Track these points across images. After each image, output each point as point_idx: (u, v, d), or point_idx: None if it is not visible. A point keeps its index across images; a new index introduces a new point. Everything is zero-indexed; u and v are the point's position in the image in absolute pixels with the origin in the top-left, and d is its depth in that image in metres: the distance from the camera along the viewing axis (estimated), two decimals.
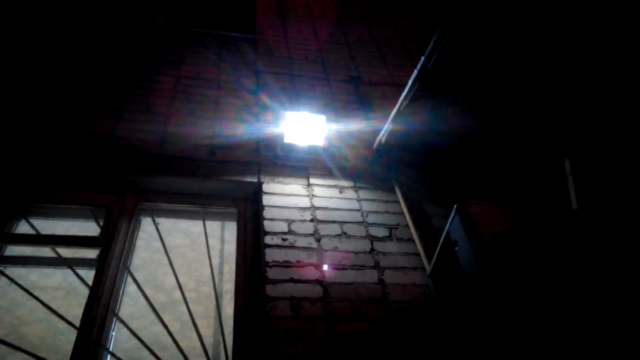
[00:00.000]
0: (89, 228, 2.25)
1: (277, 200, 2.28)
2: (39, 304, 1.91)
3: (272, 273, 1.93)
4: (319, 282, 1.94)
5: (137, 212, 2.32)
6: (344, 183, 2.48)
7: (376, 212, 2.35)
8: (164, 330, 1.91)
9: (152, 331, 1.92)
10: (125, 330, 1.90)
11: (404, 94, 2.21)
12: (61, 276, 2.05)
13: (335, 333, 1.76)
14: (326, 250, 2.08)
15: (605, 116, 2.35)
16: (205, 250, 2.24)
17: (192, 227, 2.36)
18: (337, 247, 2.11)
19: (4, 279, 1.99)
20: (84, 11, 3.42)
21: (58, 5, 3.37)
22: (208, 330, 1.97)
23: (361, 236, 2.20)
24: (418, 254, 2.17)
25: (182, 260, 2.21)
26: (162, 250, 2.20)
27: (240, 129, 2.68)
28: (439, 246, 1.93)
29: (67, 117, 2.48)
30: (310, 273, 1.97)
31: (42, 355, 1.76)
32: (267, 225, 2.14)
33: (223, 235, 2.37)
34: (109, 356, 1.81)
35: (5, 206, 2.16)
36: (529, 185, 2.63)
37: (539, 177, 2.64)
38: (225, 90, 2.97)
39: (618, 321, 1.55)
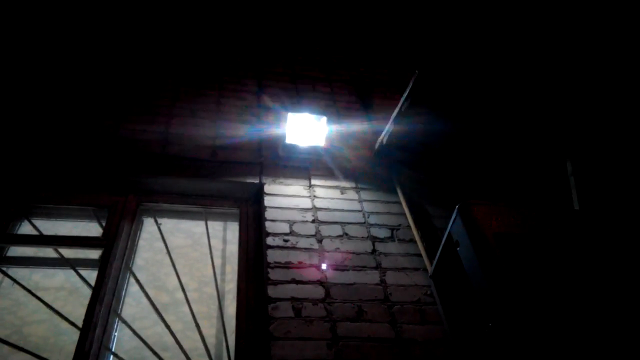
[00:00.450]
0: (92, 229, 2.25)
1: (279, 201, 2.28)
2: (42, 305, 1.91)
3: (273, 274, 1.93)
4: (321, 283, 1.94)
5: (140, 212, 2.33)
6: (345, 184, 2.48)
7: (377, 212, 2.35)
8: (167, 331, 1.91)
9: (154, 331, 1.92)
10: (127, 331, 1.90)
11: (405, 94, 2.22)
12: (64, 277, 2.06)
13: (336, 334, 1.76)
14: (328, 251, 2.09)
15: (606, 117, 2.35)
16: (208, 251, 2.24)
17: (194, 228, 2.37)
18: (338, 248, 2.11)
19: (6, 279, 1.99)
20: (84, 11, 3.43)
21: (58, 5, 3.37)
22: (210, 331, 1.97)
23: (363, 237, 2.20)
24: (420, 255, 2.17)
25: (185, 261, 2.21)
26: (165, 250, 2.21)
27: (242, 130, 2.69)
28: (440, 247, 1.92)
29: (68, 118, 2.49)
30: (311, 274, 1.97)
31: (44, 355, 1.76)
32: (269, 226, 2.14)
33: (225, 236, 2.37)
34: (111, 356, 1.82)
35: (7, 207, 2.17)
36: (531, 186, 2.63)
37: (541, 178, 2.64)
38: (227, 91, 2.98)
39: (620, 321, 1.55)
